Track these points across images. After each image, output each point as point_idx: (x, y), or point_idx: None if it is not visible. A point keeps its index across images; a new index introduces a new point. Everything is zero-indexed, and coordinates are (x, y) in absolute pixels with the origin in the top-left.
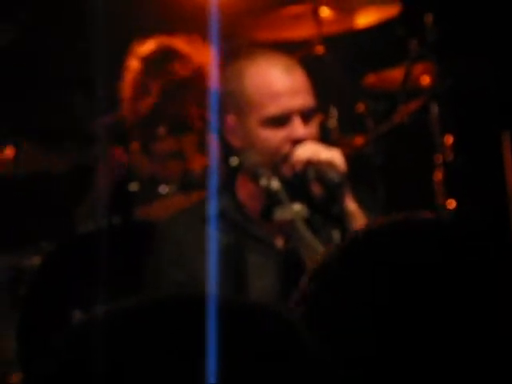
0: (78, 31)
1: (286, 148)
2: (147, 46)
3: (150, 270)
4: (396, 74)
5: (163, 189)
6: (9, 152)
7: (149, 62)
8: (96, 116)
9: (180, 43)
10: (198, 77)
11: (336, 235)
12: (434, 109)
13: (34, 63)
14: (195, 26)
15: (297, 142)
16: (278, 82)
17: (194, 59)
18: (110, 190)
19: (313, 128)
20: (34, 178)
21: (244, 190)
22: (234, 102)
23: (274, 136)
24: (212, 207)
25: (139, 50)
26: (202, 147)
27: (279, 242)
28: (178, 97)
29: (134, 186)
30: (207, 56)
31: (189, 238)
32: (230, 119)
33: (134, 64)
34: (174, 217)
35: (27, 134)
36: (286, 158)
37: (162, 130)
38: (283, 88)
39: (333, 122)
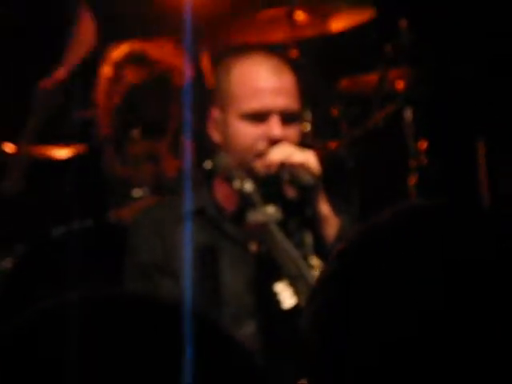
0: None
1: (261, 146)
2: (119, 52)
3: (128, 254)
4: (370, 79)
5: (136, 192)
6: None
7: (120, 66)
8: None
9: (152, 48)
10: (170, 80)
11: (308, 238)
12: (408, 113)
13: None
14: (171, 29)
15: (273, 141)
16: (262, 79)
17: (166, 63)
18: (82, 192)
19: (291, 131)
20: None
21: (220, 192)
22: (220, 95)
23: (250, 131)
24: (189, 204)
25: (112, 56)
26: (176, 150)
27: (253, 245)
28: (150, 100)
29: (106, 189)
30: (180, 60)
31: (166, 230)
32: (214, 113)
33: (106, 70)
34: (150, 209)
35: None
36: (260, 155)
37: (135, 133)
38: (266, 85)
39: (307, 126)
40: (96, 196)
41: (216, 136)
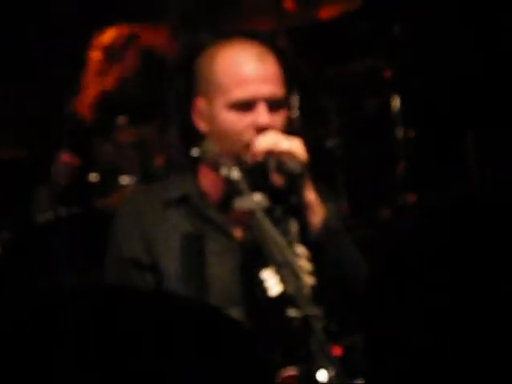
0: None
1: (249, 134)
2: (107, 36)
3: (109, 247)
4: (359, 68)
5: (124, 179)
6: None
7: (109, 50)
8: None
9: (140, 31)
10: (159, 64)
11: (293, 226)
12: (396, 102)
13: None
14: (160, 16)
15: (260, 129)
16: (247, 67)
17: (154, 47)
18: (68, 179)
19: (278, 118)
20: None
21: (206, 179)
22: (204, 85)
23: (238, 121)
24: (175, 191)
25: (100, 41)
26: (163, 137)
27: (238, 233)
28: (137, 85)
29: (93, 177)
30: (168, 44)
31: (149, 219)
32: (199, 102)
33: (95, 54)
34: (135, 196)
35: None
36: (248, 145)
37: (122, 120)
38: (252, 74)
39: (294, 113)
40: (83, 183)
41: (202, 126)
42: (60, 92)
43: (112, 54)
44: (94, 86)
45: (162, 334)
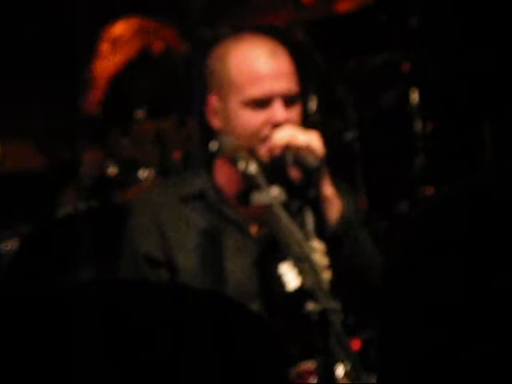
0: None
1: (266, 131)
2: (117, 28)
3: (125, 243)
4: (377, 61)
5: (142, 173)
6: None
7: (118, 42)
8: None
9: (150, 24)
10: (168, 56)
11: (311, 219)
12: (415, 95)
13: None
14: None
15: (277, 125)
16: (261, 64)
17: (165, 39)
18: (96, 176)
19: (294, 113)
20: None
21: (222, 174)
22: (217, 82)
23: (254, 118)
24: (191, 187)
25: (110, 33)
26: (182, 131)
27: (254, 228)
28: (151, 76)
29: (112, 170)
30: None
31: (165, 215)
32: (213, 100)
33: (105, 46)
34: (151, 192)
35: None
36: (265, 141)
37: (140, 113)
38: (266, 71)
39: (312, 107)
40: (102, 177)
41: (216, 123)
42: (72, 88)
43: (119, 44)
44: (102, 76)
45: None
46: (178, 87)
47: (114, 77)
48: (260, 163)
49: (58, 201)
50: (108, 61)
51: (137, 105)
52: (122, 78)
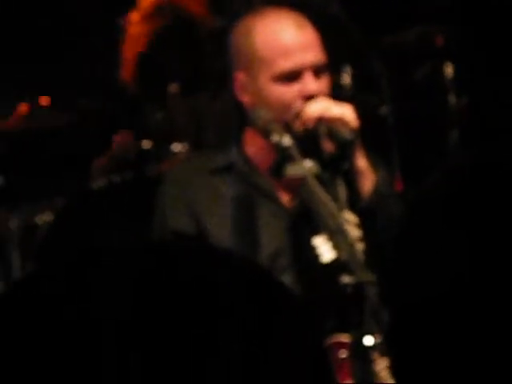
0: None
1: (298, 104)
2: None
3: (155, 216)
4: (411, 35)
5: (176, 147)
6: (24, 108)
7: (145, 13)
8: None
9: None
10: (196, 31)
11: (343, 192)
12: (449, 69)
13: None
14: None
15: (309, 97)
16: (288, 37)
17: (194, 11)
18: (126, 154)
19: (324, 84)
20: (47, 134)
21: (253, 146)
22: (244, 58)
23: (286, 92)
24: (221, 160)
25: (141, 3)
26: (215, 106)
27: (285, 199)
28: (174, 49)
29: (146, 144)
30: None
31: (195, 187)
32: (241, 76)
33: (134, 16)
34: (182, 165)
35: (41, 91)
36: (298, 114)
37: (174, 88)
38: (294, 43)
39: (346, 80)
40: (136, 149)
41: (246, 99)
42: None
43: (147, 16)
44: (130, 49)
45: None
46: (208, 62)
47: (142, 51)
48: (294, 136)
49: (92, 170)
50: (137, 31)
51: (170, 79)
52: (152, 52)
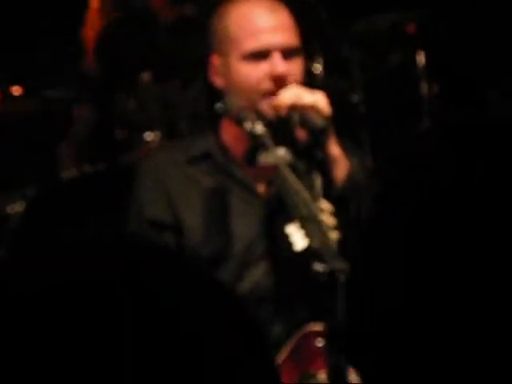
0: None
1: (266, 84)
2: None
3: (131, 206)
4: (383, 22)
5: (148, 136)
6: None
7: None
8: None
9: None
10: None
11: (318, 180)
12: (421, 57)
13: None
14: None
15: (277, 78)
16: (258, 19)
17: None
18: (86, 133)
19: (295, 66)
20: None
21: (228, 134)
22: (218, 41)
23: (253, 71)
24: (197, 148)
25: None
26: (187, 93)
27: (261, 188)
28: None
29: (119, 133)
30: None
31: (171, 176)
32: (214, 59)
33: (94, 2)
34: (158, 154)
35: (13, 79)
36: (267, 95)
37: (145, 76)
38: (264, 24)
39: (318, 67)
40: (107, 139)
41: (219, 82)
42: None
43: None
44: (90, 35)
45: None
46: (176, 50)
47: (99, 39)
48: (266, 123)
49: (58, 156)
50: (94, 18)
51: (141, 68)
52: (108, 40)
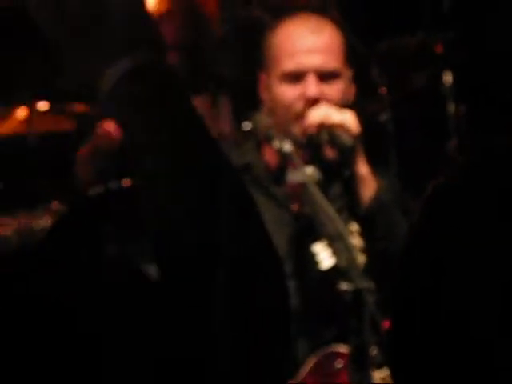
0: None
1: (299, 106)
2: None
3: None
4: (410, 42)
5: None
6: (21, 113)
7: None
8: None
9: None
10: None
11: (344, 199)
12: (448, 77)
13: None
14: None
15: (309, 100)
16: (298, 40)
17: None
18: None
19: (331, 90)
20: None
21: (266, 151)
22: (265, 60)
23: (288, 92)
24: (237, 159)
25: None
26: (215, 110)
27: (295, 205)
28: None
29: None
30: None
31: None
32: (262, 76)
33: None
34: None
35: (39, 96)
36: (299, 117)
37: None
38: (301, 46)
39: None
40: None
41: (265, 97)
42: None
43: None
44: None
45: None
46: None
47: None
48: (295, 141)
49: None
50: None
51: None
52: None
